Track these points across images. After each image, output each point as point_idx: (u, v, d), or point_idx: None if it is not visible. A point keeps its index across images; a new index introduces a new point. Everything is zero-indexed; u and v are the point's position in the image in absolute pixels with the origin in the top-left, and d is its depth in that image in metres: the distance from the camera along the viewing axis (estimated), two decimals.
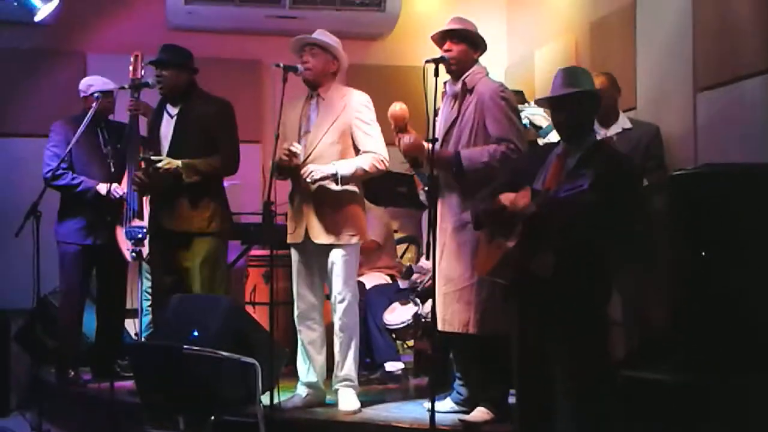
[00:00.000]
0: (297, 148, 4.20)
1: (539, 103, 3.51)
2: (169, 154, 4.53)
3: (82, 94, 5.24)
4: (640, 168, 4.38)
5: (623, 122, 4.67)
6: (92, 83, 5.23)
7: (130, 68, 4.97)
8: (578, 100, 3.33)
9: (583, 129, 3.37)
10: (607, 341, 3.39)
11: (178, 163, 4.45)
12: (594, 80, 4.42)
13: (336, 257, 4.24)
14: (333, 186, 4.20)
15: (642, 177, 4.34)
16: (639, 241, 3.52)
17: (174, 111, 4.64)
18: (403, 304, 5.14)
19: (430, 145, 3.74)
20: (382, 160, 4.27)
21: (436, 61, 3.78)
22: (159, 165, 4.45)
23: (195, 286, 4.52)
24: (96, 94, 5.10)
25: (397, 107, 4.02)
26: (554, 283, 3.16)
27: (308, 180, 4.16)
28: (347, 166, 4.20)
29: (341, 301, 4.24)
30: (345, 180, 4.20)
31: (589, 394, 3.19)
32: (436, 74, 3.72)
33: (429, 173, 3.78)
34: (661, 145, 4.65)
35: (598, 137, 4.37)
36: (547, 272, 3.15)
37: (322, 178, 4.16)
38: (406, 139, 3.91)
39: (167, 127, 4.62)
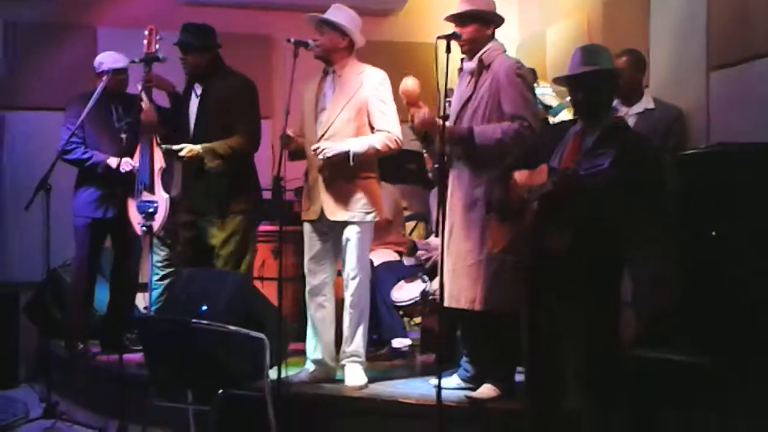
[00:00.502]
0: (289, 132, 4.19)
1: (557, 81, 3.48)
2: (194, 134, 4.60)
3: (95, 71, 5.23)
4: (659, 149, 4.35)
5: (647, 102, 4.61)
6: (103, 60, 5.22)
7: (144, 42, 4.95)
8: (596, 78, 3.30)
9: (601, 108, 3.35)
10: (618, 320, 3.38)
11: (199, 149, 4.48)
12: (615, 58, 4.41)
13: (350, 234, 4.24)
14: (345, 164, 4.18)
15: (661, 158, 4.30)
16: (654, 221, 3.52)
17: (199, 90, 4.69)
18: (410, 281, 5.14)
19: (441, 122, 3.73)
20: (395, 140, 4.25)
21: (448, 38, 3.75)
22: (180, 154, 4.48)
23: (218, 264, 4.55)
24: (107, 69, 5.08)
25: (410, 82, 4.00)
26: (568, 261, 3.15)
27: (320, 157, 4.14)
28: (360, 144, 4.19)
29: (354, 278, 4.24)
30: (357, 157, 4.18)
31: (599, 373, 3.19)
32: (448, 50, 3.69)
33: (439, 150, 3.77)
34: (681, 129, 4.58)
35: (620, 114, 4.38)
36: (562, 250, 3.14)
37: (334, 156, 4.15)
38: (420, 113, 3.88)
39: (194, 107, 4.69)
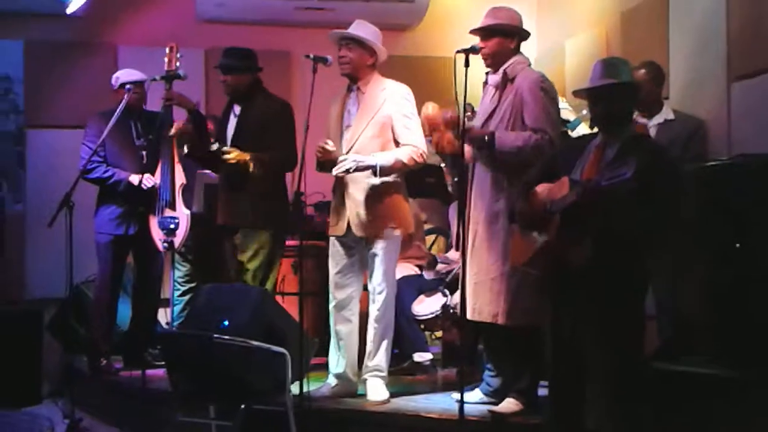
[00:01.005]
0: (330, 144, 4.21)
1: (577, 93, 3.48)
2: None
3: (113, 88, 5.29)
4: (679, 160, 4.33)
5: (666, 113, 4.60)
6: (119, 75, 5.29)
7: (165, 59, 5.00)
8: (616, 91, 3.30)
9: (621, 120, 3.35)
10: (642, 333, 3.36)
11: (247, 156, 4.52)
12: (634, 71, 4.41)
13: (378, 249, 4.26)
14: (372, 179, 4.21)
15: (681, 170, 4.29)
16: (675, 233, 3.50)
17: (238, 110, 4.78)
18: (431, 294, 5.13)
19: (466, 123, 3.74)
20: (421, 154, 4.27)
21: (467, 52, 3.75)
22: (228, 156, 4.53)
23: (246, 277, 4.60)
24: (128, 86, 5.13)
25: (430, 107, 4.02)
26: (591, 273, 3.13)
27: (346, 167, 4.15)
28: (386, 158, 4.20)
29: (380, 293, 4.26)
30: (384, 172, 4.20)
31: (624, 386, 3.16)
32: (467, 64, 3.69)
33: (460, 164, 3.77)
34: (701, 140, 4.57)
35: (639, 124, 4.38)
36: (584, 262, 3.13)
37: (362, 169, 4.17)
38: (447, 115, 3.88)
39: (232, 126, 4.77)
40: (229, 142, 4.73)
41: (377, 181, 4.21)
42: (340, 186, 4.33)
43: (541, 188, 3.30)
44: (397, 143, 4.28)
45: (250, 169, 4.54)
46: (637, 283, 3.26)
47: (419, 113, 4.47)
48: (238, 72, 4.75)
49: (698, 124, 4.60)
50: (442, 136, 3.99)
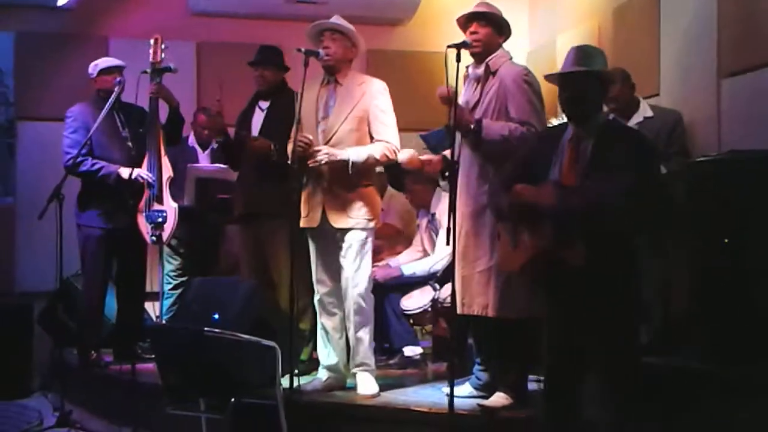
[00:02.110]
0: (310, 136, 4.21)
1: (548, 78, 3.46)
2: None
3: (90, 76, 5.23)
4: (660, 150, 4.34)
5: (644, 111, 4.63)
6: (97, 63, 5.23)
7: (150, 52, 5.00)
8: (585, 79, 3.28)
9: (588, 108, 3.31)
10: (636, 329, 3.37)
11: (270, 144, 4.59)
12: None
13: (352, 240, 4.25)
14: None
15: (658, 152, 4.30)
16: (661, 226, 3.50)
17: (265, 105, 4.83)
18: (420, 289, 5.14)
19: (452, 116, 3.74)
20: (394, 150, 4.28)
21: (458, 46, 3.75)
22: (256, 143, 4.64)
23: (277, 264, 4.63)
24: (118, 78, 5.11)
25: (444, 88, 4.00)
26: (586, 271, 3.12)
27: (317, 159, 4.15)
28: (359, 154, 4.21)
29: (355, 286, 4.24)
30: (356, 167, 4.20)
31: (627, 383, 3.17)
32: (458, 59, 3.70)
33: (450, 159, 3.77)
34: (683, 132, 4.62)
35: None
36: (580, 261, 3.12)
37: (332, 162, 4.17)
38: (441, 90, 3.87)
39: (257, 120, 4.81)
40: (255, 134, 4.76)
41: (349, 174, 4.20)
42: (313, 177, 4.32)
43: (524, 190, 3.27)
44: (371, 138, 4.29)
45: (273, 157, 4.56)
46: (635, 277, 3.25)
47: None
48: (276, 67, 4.83)
49: (677, 117, 4.63)
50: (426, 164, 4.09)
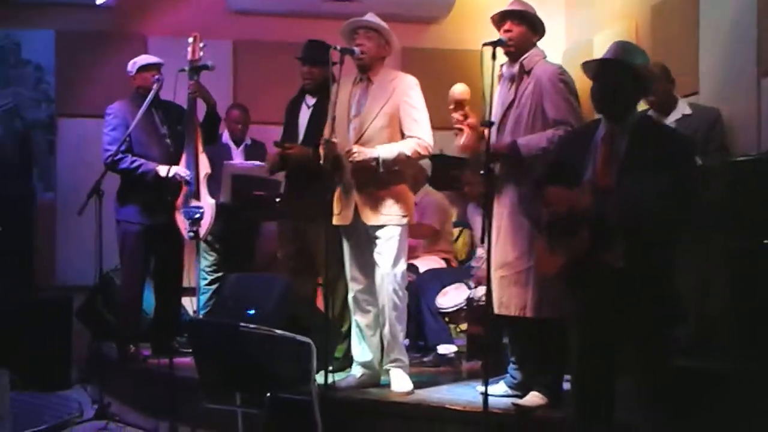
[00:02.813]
0: (335, 140, 4.22)
1: (585, 67, 3.39)
2: (303, 142, 4.76)
3: (129, 74, 5.30)
4: (692, 141, 4.28)
5: (683, 108, 4.58)
6: (136, 60, 5.30)
7: (189, 50, 5.05)
8: (622, 72, 3.20)
9: (624, 104, 3.22)
10: (673, 330, 3.33)
11: (309, 150, 4.61)
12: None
13: (386, 236, 4.26)
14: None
15: (694, 150, 4.24)
16: (696, 224, 3.44)
17: (311, 101, 4.86)
18: (455, 287, 5.14)
19: (487, 131, 3.74)
20: (426, 146, 4.27)
21: (494, 44, 3.75)
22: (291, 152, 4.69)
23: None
24: (156, 76, 5.17)
25: (459, 89, 4.01)
26: (626, 273, 3.09)
27: (350, 160, 4.18)
28: (389, 151, 4.21)
29: (390, 282, 4.25)
30: (386, 164, 4.20)
31: (662, 384, 3.14)
32: (494, 57, 3.70)
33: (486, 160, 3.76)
34: (722, 129, 4.55)
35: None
36: (619, 263, 3.08)
37: (363, 161, 4.18)
38: (459, 141, 3.90)
39: (304, 117, 4.84)
40: (302, 133, 4.80)
41: (381, 171, 4.21)
42: (346, 175, 4.33)
43: (558, 193, 3.23)
44: (403, 134, 4.29)
45: (313, 165, 4.52)
46: (672, 278, 3.21)
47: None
48: (322, 64, 4.74)
49: (716, 115, 4.57)
50: (467, 138, 3.99)
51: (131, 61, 5.30)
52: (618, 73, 3.22)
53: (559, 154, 3.50)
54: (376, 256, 4.28)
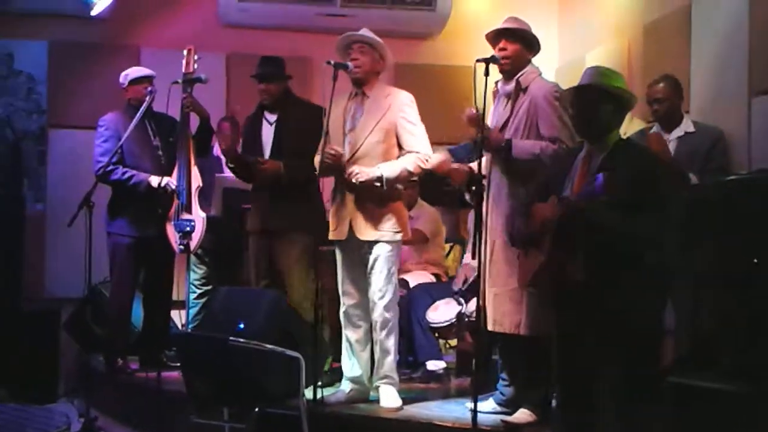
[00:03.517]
0: (340, 149, 4.23)
1: (564, 94, 3.48)
2: (270, 158, 4.75)
3: (122, 86, 5.29)
4: (670, 167, 4.30)
5: (686, 126, 4.59)
6: (128, 72, 5.30)
7: (183, 62, 5.05)
8: (594, 95, 3.28)
9: (597, 126, 3.30)
10: (652, 346, 3.33)
11: (280, 165, 4.65)
12: (653, 85, 4.39)
13: (380, 252, 4.26)
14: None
15: (674, 176, 4.26)
16: (675, 245, 3.46)
17: (272, 118, 4.85)
18: (446, 302, 5.13)
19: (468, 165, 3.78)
20: (426, 160, 4.28)
21: (487, 61, 3.77)
22: (264, 167, 4.69)
23: (291, 281, 4.71)
24: (149, 88, 5.17)
25: (471, 110, 4.03)
26: (589, 287, 3.12)
27: (353, 181, 4.18)
28: (392, 169, 4.22)
29: (381, 297, 4.25)
30: (390, 182, 4.21)
31: (632, 400, 3.15)
32: (487, 74, 3.71)
33: (476, 173, 3.77)
34: (724, 150, 4.54)
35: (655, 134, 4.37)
36: (579, 278, 3.12)
37: (367, 181, 4.18)
38: (467, 111, 3.89)
39: (267, 134, 4.83)
40: (267, 149, 4.80)
41: (378, 187, 4.21)
42: (341, 189, 4.34)
43: (535, 207, 3.32)
44: (400, 148, 4.29)
45: (284, 179, 4.62)
46: (637, 293, 3.23)
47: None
48: (278, 80, 4.82)
49: (719, 135, 4.58)
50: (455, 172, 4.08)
51: (123, 73, 5.30)
52: (592, 98, 3.29)
53: (549, 173, 3.54)
54: (368, 272, 4.27)
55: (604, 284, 3.12)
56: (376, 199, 4.26)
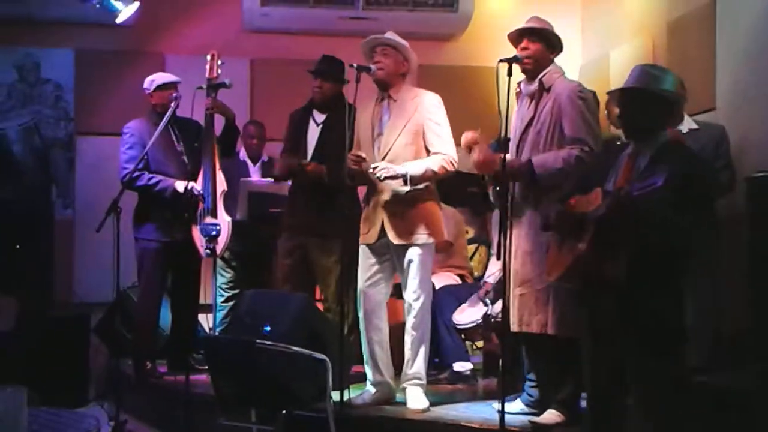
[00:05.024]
0: (362, 154, 4.24)
1: (611, 95, 3.44)
2: (312, 158, 4.78)
3: (146, 92, 5.33)
4: (714, 170, 4.29)
5: (688, 123, 4.57)
6: (153, 78, 5.33)
7: (207, 68, 5.08)
8: (642, 98, 3.24)
9: (646, 129, 3.26)
10: (682, 347, 3.30)
11: (323, 168, 4.66)
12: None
13: (413, 256, 4.26)
14: (402, 188, 4.22)
15: (715, 178, 4.24)
16: (708, 243, 3.43)
17: (320, 118, 4.87)
18: (472, 304, 5.12)
19: (502, 154, 3.74)
20: (451, 162, 4.28)
21: (510, 61, 3.76)
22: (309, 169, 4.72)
23: (328, 283, 4.75)
24: (174, 93, 5.20)
25: (469, 135, 4.01)
26: (627, 287, 3.09)
27: (377, 176, 4.18)
28: (417, 167, 4.22)
29: (416, 299, 4.26)
30: (414, 181, 4.21)
31: (664, 402, 3.12)
32: (510, 74, 3.70)
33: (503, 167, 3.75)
34: (728, 146, 4.53)
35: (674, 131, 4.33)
36: (619, 275, 3.08)
37: (392, 177, 4.19)
38: (474, 156, 3.91)
39: (313, 133, 4.85)
40: (311, 149, 4.82)
41: (404, 189, 4.22)
42: (373, 194, 4.35)
43: (575, 200, 3.27)
44: (428, 151, 4.29)
45: (326, 183, 4.62)
46: (675, 295, 3.20)
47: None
48: (333, 80, 4.83)
49: (722, 132, 4.56)
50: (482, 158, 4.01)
51: (149, 79, 5.34)
52: (641, 101, 3.24)
53: (586, 170, 3.50)
54: (401, 275, 4.28)
55: (645, 282, 3.08)
56: (408, 201, 4.26)
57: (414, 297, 4.26)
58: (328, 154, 4.69)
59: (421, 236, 4.27)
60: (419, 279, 4.25)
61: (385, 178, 4.19)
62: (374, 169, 4.19)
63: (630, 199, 3.05)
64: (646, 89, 3.24)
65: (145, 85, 5.33)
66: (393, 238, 4.27)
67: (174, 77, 5.33)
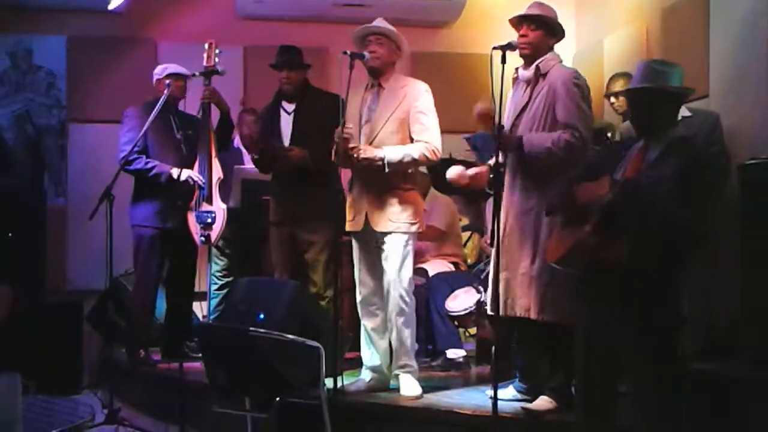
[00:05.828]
0: (349, 128, 4.23)
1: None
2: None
3: (155, 78, 5.32)
4: (725, 167, 4.29)
5: (682, 110, 4.55)
6: (168, 66, 5.33)
7: (204, 56, 5.07)
8: (650, 96, 3.22)
9: (656, 125, 3.25)
10: (679, 334, 3.31)
11: (304, 153, 4.69)
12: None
13: (394, 243, 4.26)
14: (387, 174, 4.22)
15: (724, 174, 4.25)
16: (714, 231, 3.43)
17: (290, 108, 4.90)
18: (465, 291, 5.13)
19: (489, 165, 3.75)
20: (433, 150, 4.26)
21: (504, 48, 3.74)
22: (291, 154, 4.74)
23: (317, 269, 4.78)
24: (167, 81, 5.19)
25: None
26: (629, 273, 3.09)
27: (356, 157, 4.18)
28: (395, 153, 4.21)
29: (396, 287, 4.26)
30: (392, 166, 4.20)
31: (665, 388, 3.12)
32: (504, 61, 3.68)
33: (494, 161, 3.76)
34: (721, 133, 4.53)
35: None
36: (621, 261, 3.08)
37: (369, 159, 4.18)
38: (470, 172, 3.95)
39: (286, 123, 4.88)
40: (286, 139, 4.84)
41: (392, 176, 4.22)
42: (357, 181, 4.35)
43: (582, 187, 3.27)
44: (412, 140, 4.29)
45: (310, 166, 4.65)
46: (676, 283, 3.20)
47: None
48: (298, 68, 4.88)
49: (716, 119, 4.55)
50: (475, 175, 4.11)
51: (161, 66, 5.35)
52: (649, 100, 3.23)
53: (598, 158, 3.52)
54: (383, 262, 4.29)
55: (647, 269, 3.08)
56: (389, 188, 4.26)
57: (393, 285, 4.25)
58: (307, 140, 4.71)
59: (404, 224, 4.27)
60: (399, 266, 4.24)
61: (363, 158, 4.18)
62: (353, 149, 4.19)
63: (636, 189, 3.05)
64: (654, 88, 3.23)
65: (156, 70, 5.34)
66: (374, 225, 4.27)
67: (185, 70, 5.30)
